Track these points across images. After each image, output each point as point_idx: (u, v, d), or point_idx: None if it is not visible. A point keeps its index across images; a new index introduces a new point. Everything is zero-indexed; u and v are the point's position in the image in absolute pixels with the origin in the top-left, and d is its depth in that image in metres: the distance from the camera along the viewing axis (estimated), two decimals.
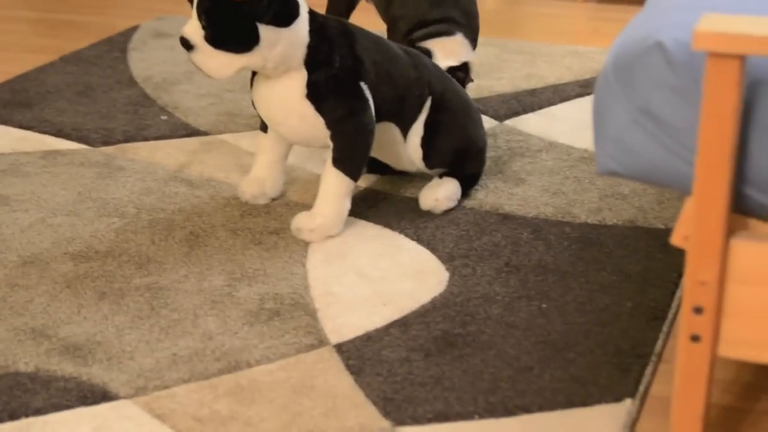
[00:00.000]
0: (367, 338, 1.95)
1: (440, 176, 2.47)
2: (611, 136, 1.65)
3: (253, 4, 2.12)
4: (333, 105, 2.23)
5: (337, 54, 2.25)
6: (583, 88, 3.20)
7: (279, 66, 2.21)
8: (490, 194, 2.51)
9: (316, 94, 2.23)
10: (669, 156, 1.61)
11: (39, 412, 1.77)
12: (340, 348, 1.93)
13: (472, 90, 3.17)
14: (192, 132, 2.88)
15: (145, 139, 2.83)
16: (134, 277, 2.16)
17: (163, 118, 2.97)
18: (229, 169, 2.65)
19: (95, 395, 1.81)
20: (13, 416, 1.76)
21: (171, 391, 1.81)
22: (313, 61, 2.23)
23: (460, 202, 2.46)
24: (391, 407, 1.77)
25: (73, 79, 3.29)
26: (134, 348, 1.93)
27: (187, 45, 2.19)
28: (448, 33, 2.74)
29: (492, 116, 2.98)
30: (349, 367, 1.87)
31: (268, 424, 1.74)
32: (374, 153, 2.46)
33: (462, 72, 2.75)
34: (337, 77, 2.24)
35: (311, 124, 2.26)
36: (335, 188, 2.28)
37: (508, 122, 2.94)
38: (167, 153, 2.75)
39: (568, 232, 2.34)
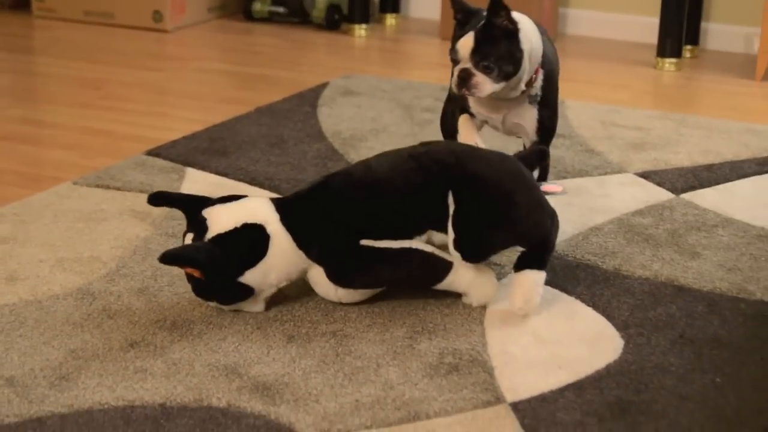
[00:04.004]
0: (542, 399, 2.02)
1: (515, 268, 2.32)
2: None
3: None
4: None
5: None
6: (760, 166, 3.21)
7: None
8: (665, 266, 2.56)
9: None
10: None
11: None
12: (515, 406, 2.00)
13: (649, 162, 3.22)
14: None
15: None
16: (321, 323, 2.28)
17: None
18: None
19: None
20: None
21: None
22: None
23: (635, 271, 2.51)
24: None
25: (266, 130, 3.46)
26: (319, 391, 2.04)
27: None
28: None
29: (668, 189, 3.02)
30: (524, 426, 1.94)
31: None
32: None
33: None
34: None
35: None
36: None
37: (685, 196, 2.98)
38: None
39: (743, 308, 2.37)
